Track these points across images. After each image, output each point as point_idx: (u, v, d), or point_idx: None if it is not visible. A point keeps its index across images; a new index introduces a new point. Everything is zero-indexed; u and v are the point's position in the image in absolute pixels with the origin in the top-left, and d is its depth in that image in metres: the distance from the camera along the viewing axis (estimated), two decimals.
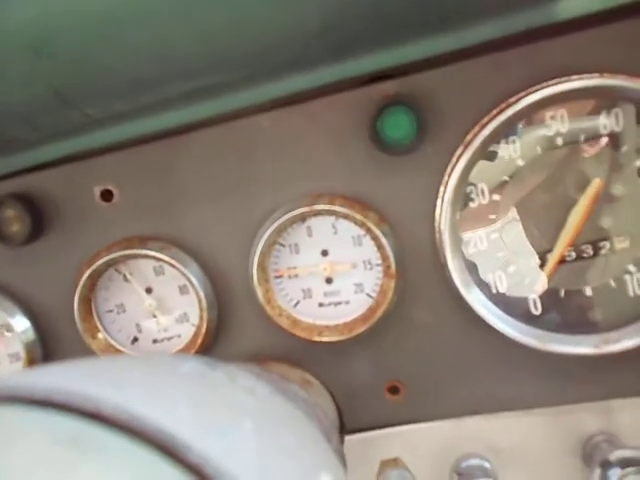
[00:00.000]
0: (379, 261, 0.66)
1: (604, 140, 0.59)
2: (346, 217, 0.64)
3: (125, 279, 0.72)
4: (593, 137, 0.59)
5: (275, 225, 0.64)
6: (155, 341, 0.73)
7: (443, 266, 0.63)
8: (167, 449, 0.26)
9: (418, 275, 0.65)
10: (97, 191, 0.68)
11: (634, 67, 0.55)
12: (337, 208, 0.63)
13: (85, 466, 0.24)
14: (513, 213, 0.63)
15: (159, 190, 0.68)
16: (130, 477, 0.24)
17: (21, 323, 0.73)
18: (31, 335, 0.73)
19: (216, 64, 0.55)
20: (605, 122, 0.59)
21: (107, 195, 0.69)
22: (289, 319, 0.68)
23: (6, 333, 0.74)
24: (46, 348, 0.74)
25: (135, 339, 0.74)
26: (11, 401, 0.28)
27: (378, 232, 0.63)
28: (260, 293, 0.67)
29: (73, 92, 0.55)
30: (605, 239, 0.62)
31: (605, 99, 0.58)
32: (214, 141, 0.66)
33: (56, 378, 0.29)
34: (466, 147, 0.59)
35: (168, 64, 0.54)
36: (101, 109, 0.59)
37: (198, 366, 0.40)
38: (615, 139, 0.59)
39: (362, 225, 0.64)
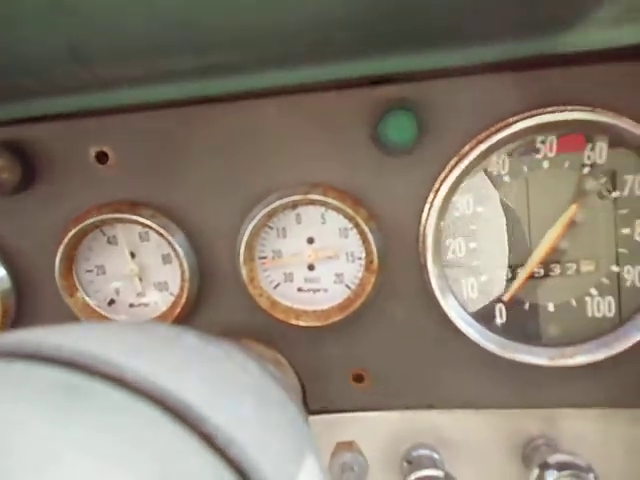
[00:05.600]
0: (362, 255, 0.69)
1: (586, 169, 0.63)
2: (337, 209, 0.67)
3: (109, 241, 0.72)
4: (577, 165, 0.63)
5: (268, 209, 0.66)
6: (132, 305, 0.74)
7: (422, 267, 0.66)
8: (184, 419, 0.28)
9: (398, 273, 0.68)
10: (92, 151, 0.68)
11: (629, 108, 0.59)
12: (329, 200, 0.65)
13: (87, 411, 0.26)
14: (493, 226, 0.66)
15: (156, 158, 0.68)
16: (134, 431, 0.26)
17: None
18: (6, 283, 0.73)
19: (237, 41, 0.55)
20: (589, 154, 0.63)
21: (102, 157, 0.68)
22: (269, 300, 0.70)
23: None
24: (20, 299, 0.74)
25: (112, 301, 0.74)
26: (36, 359, 0.29)
27: (366, 228, 0.65)
28: (244, 272, 0.68)
29: (88, 50, 0.55)
30: (572, 261, 0.66)
31: (594, 132, 0.62)
32: (218, 117, 0.66)
33: (79, 342, 0.31)
34: (461, 159, 0.62)
35: (190, 33, 0.54)
36: (112, 71, 0.59)
37: (195, 340, 0.41)
38: (595, 170, 0.63)
39: (351, 219, 0.66)
